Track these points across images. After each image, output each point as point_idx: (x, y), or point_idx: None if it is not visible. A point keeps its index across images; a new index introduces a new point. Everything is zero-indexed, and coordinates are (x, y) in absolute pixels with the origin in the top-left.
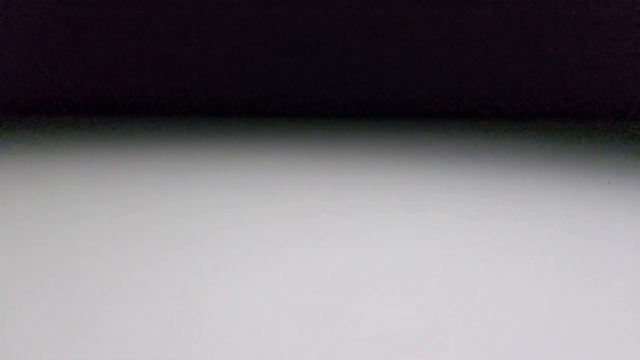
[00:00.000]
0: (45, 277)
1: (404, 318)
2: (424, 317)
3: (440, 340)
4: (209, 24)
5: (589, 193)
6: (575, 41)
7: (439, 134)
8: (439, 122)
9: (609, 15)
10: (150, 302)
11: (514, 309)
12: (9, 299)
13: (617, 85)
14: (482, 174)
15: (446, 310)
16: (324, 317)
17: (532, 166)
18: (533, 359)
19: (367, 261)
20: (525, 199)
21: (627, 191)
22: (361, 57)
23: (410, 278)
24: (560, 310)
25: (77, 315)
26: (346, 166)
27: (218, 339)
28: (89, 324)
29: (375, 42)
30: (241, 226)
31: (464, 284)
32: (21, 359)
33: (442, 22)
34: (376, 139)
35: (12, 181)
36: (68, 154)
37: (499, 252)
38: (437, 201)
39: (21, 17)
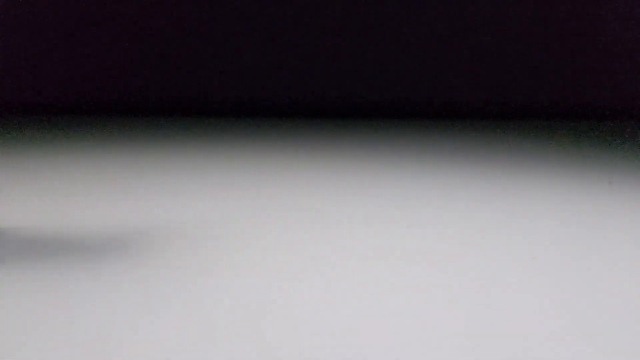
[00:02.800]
0: (46, 278)
1: (403, 320)
2: (425, 318)
3: (441, 340)
4: (209, 24)
5: (589, 193)
6: (575, 41)
7: (439, 134)
8: (439, 122)
9: (609, 15)
10: (151, 303)
11: (514, 309)
12: (10, 300)
13: (617, 85)
14: (482, 174)
15: (446, 311)
16: (320, 318)
17: (532, 166)
18: (533, 357)
19: (366, 262)
20: (526, 199)
21: (627, 191)
22: (361, 58)
23: (410, 279)
24: (560, 310)
25: (76, 318)
26: (346, 166)
27: (222, 340)
28: (89, 328)
29: (375, 42)
30: (240, 226)
31: (464, 285)
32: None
33: (442, 22)
34: (376, 139)
35: (12, 181)
36: (68, 154)
37: (500, 252)
38: (437, 201)
39: (22, 17)
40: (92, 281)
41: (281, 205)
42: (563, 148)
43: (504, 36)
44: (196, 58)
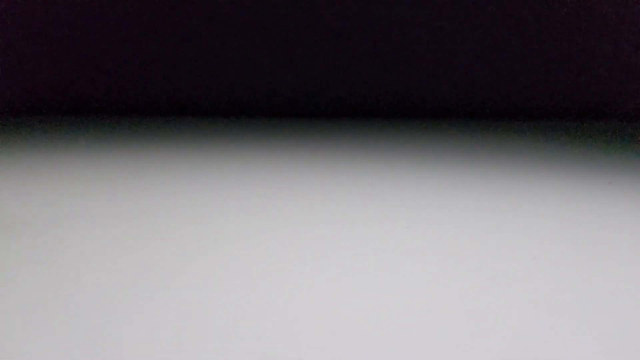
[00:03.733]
0: (45, 279)
1: (404, 319)
2: (425, 318)
3: (441, 341)
4: (208, 24)
5: (589, 193)
6: (575, 40)
7: (439, 134)
8: (439, 122)
9: (609, 14)
10: (148, 302)
11: (515, 309)
12: (9, 298)
13: (617, 85)
14: (482, 175)
15: (447, 311)
16: (320, 318)
17: (532, 166)
18: (533, 358)
19: (367, 262)
20: (526, 200)
21: (627, 191)
22: (361, 57)
23: (410, 279)
24: (561, 310)
25: (77, 319)
26: (346, 166)
27: (223, 341)
28: (89, 330)
29: (375, 42)
30: (241, 225)
31: (464, 285)
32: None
33: (442, 22)
34: (376, 139)
35: (12, 181)
36: (68, 154)
37: (500, 253)
38: (437, 201)
39: (21, 17)
40: (92, 282)
41: (280, 203)
42: (563, 148)
43: (504, 35)
44: (196, 57)
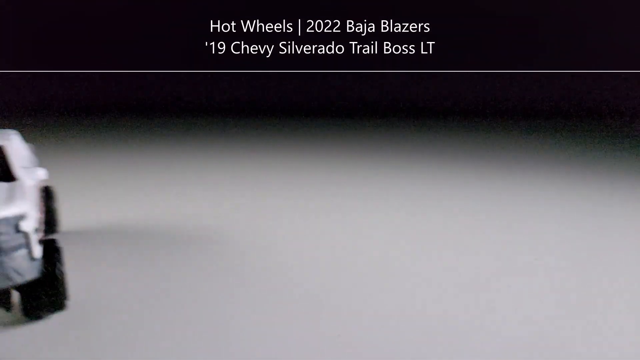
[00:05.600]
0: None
1: (406, 321)
2: (427, 320)
3: (444, 341)
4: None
5: (589, 192)
6: (575, 39)
7: (439, 134)
8: (439, 121)
9: (609, 13)
10: (148, 303)
11: (517, 309)
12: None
13: (616, 85)
14: (482, 175)
15: (449, 311)
16: (319, 319)
17: (532, 166)
18: (535, 359)
19: (367, 263)
20: (526, 199)
21: (627, 191)
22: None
23: (412, 278)
24: (562, 310)
25: (78, 318)
26: (347, 166)
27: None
28: (89, 327)
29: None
30: (240, 225)
31: (465, 284)
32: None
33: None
34: (376, 139)
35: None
36: (68, 153)
37: (501, 253)
38: (438, 201)
39: (21, 17)
40: (96, 283)
41: (286, 199)
42: (563, 148)
43: (504, 34)
44: (196, 57)
